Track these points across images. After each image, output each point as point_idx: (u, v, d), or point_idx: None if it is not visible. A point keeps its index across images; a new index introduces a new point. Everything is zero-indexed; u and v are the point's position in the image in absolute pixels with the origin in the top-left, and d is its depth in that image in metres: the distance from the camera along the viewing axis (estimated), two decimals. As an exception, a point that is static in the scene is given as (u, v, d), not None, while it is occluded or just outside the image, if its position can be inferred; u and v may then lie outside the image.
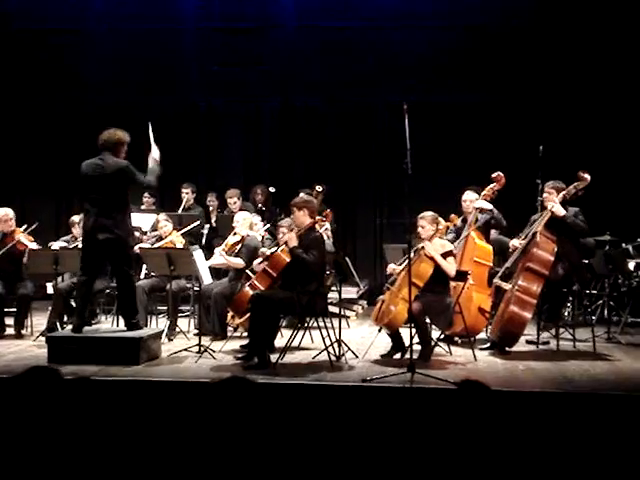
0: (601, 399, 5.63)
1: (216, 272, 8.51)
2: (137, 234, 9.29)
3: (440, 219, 7.38)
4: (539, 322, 7.91)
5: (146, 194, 10.60)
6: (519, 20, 11.08)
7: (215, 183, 11.49)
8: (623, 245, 9.57)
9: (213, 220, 10.55)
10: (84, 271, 7.15)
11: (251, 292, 7.17)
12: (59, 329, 8.15)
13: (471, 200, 8.21)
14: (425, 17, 11.40)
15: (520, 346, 7.59)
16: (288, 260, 7.04)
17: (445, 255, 7.12)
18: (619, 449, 4.03)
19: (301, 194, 9.57)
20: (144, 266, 8.74)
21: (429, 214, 7.33)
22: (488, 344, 7.65)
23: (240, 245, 8.25)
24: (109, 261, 7.33)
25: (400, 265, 7.36)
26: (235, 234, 8.36)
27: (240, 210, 9.74)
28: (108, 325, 8.68)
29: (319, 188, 10.17)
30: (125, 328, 7.25)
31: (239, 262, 8.08)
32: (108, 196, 6.96)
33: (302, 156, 11.85)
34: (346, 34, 11.58)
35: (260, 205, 10.41)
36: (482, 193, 8.15)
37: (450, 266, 7.11)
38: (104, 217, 6.92)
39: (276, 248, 7.45)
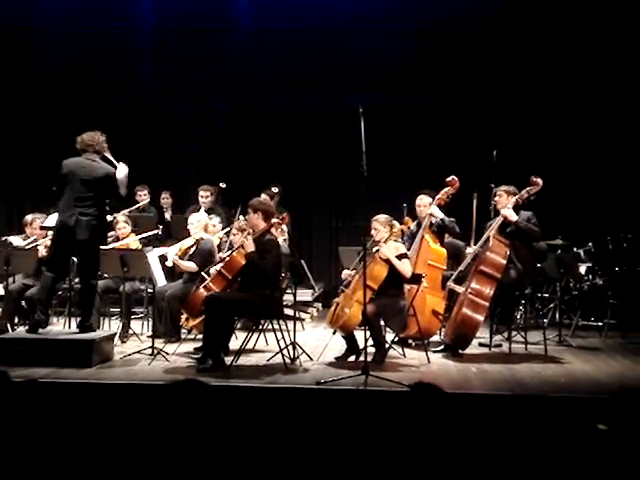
0: (551, 401, 5.70)
1: (170, 274, 8.45)
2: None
3: (394, 222, 7.41)
4: (492, 325, 7.99)
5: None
6: (474, 25, 11.18)
7: (170, 184, 11.41)
8: (574, 249, 9.71)
9: (167, 217, 10.47)
10: (52, 268, 7.08)
11: (205, 294, 7.13)
12: (9, 331, 8.04)
13: (425, 204, 8.26)
14: (380, 21, 11.48)
15: (473, 349, 7.67)
16: (243, 262, 7.02)
17: (399, 258, 7.16)
18: (568, 451, 4.09)
19: (262, 195, 9.53)
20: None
21: (382, 217, 7.37)
22: (441, 347, 7.70)
23: (194, 248, 8.19)
24: (80, 260, 7.25)
25: (354, 270, 7.40)
26: (190, 237, 8.30)
27: (210, 208, 9.69)
28: (60, 327, 8.57)
29: (275, 189, 10.13)
30: (77, 330, 7.18)
31: (192, 266, 8.00)
32: (92, 197, 6.95)
33: (257, 158, 11.82)
34: (302, 36, 11.57)
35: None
36: (436, 197, 8.20)
37: (405, 267, 7.15)
38: (86, 217, 6.91)
39: (231, 251, 7.41)
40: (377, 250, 7.14)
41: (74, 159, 7.07)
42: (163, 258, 8.04)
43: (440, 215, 8.12)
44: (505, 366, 7.01)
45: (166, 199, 10.86)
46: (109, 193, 7.17)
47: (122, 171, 7.18)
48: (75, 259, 7.57)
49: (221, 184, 10.12)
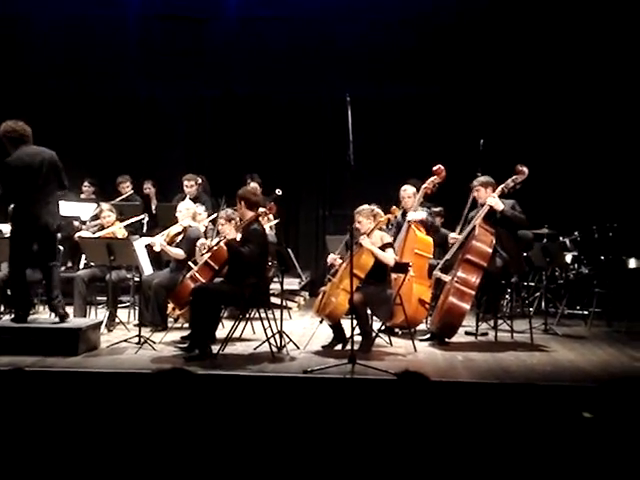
0: (537, 390, 5.73)
1: (157, 263, 8.43)
2: (76, 223, 9.18)
3: (378, 211, 7.40)
4: (478, 313, 8.02)
5: (86, 183, 10.49)
6: (461, 14, 11.17)
7: (156, 173, 11.36)
8: (560, 238, 9.75)
9: (153, 208, 10.43)
10: (19, 264, 6.98)
11: (192, 284, 7.12)
12: (-5, 319, 8.02)
13: (409, 195, 8.26)
14: (367, 10, 11.43)
15: (459, 337, 7.70)
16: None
17: (384, 247, 7.16)
18: (554, 439, 4.11)
19: (252, 184, 9.47)
20: (83, 256, 8.62)
21: (365, 208, 7.35)
22: (428, 335, 7.72)
23: (182, 236, 8.18)
24: (44, 249, 7.06)
25: (339, 254, 7.42)
26: (178, 224, 8.28)
27: (196, 197, 9.63)
28: (46, 316, 8.54)
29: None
30: (49, 310, 7.21)
31: (179, 253, 8.02)
32: (49, 185, 6.89)
33: (244, 147, 11.79)
34: (288, 25, 11.54)
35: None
36: (423, 186, 8.21)
37: (388, 255, 7.14)
38: (51, 205, 6.89)
39: (218, 240, 7.40)
40: (361, 242, 7.13)
41: (23, 152, 6.84)
42: (150, 247, 8.02)
43: (422, 216, 8.09)
44: (491, 354, 7.04)
45: (149, 188, 10.82)
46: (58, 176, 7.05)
47: None
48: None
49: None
